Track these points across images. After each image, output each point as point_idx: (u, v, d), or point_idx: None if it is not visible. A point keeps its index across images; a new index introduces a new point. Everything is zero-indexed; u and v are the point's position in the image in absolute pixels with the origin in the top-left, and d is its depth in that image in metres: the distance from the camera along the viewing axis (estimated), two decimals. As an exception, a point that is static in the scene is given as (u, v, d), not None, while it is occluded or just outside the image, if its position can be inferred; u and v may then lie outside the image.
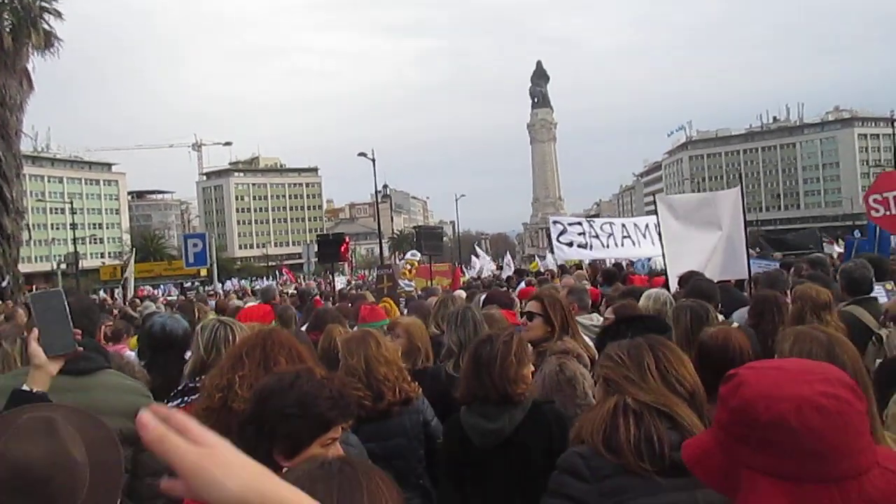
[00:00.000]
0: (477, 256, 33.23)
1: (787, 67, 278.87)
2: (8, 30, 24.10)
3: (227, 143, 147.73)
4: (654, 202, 9.32)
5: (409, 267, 19.50)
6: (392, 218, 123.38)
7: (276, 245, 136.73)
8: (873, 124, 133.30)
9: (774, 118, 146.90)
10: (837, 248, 20.49)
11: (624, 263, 16.68)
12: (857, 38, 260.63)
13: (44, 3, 24.83)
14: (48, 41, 24.80)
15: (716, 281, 7.04)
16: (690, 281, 6.48)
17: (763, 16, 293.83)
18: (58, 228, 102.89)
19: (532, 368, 3.37)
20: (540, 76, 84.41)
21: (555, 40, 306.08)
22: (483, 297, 8.08)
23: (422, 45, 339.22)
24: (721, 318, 5.16)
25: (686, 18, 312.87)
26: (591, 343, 4.24)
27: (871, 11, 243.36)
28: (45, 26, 24.79)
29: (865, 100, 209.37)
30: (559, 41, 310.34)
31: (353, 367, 3.70)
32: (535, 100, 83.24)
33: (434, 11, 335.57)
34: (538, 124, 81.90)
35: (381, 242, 49.81)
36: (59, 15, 25.29)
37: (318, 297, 16.00)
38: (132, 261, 17.57)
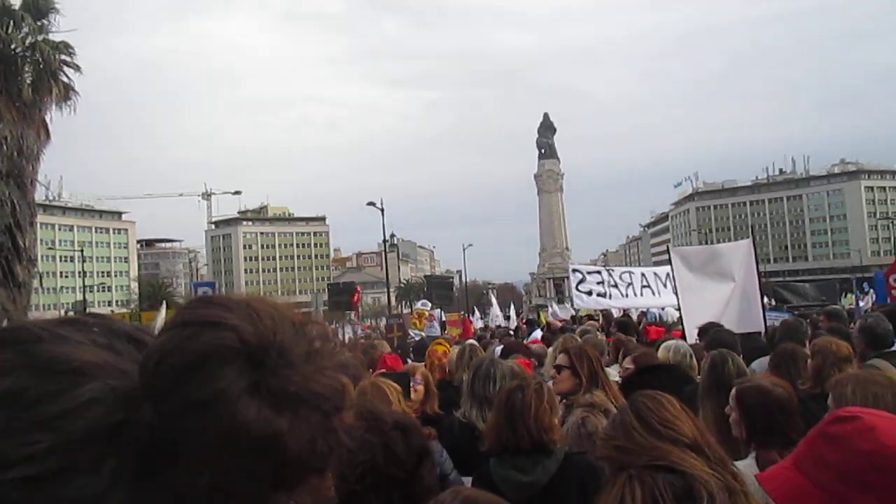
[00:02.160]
0: (491, 306, 33.11)
1: (792, 120, 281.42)
2: (28, 82, 24.58)
3: (237, 192, 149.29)
4: (668, 253, 9.35)
5: (418, 316, 19.50)
6: (399, 267, 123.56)
7: (283, 294, 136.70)
8: (880, 177, 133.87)
9: (780, 170, 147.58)
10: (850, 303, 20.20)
11: (635, 313, 16.53)
12: (862, 91, 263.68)
13: (64, 57, 25.36)
14: (67, 94, 25.26)
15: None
16: (710, 332, 6.47)
17: (768, 69, 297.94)
18: (67, 276, 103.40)
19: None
20: (547, 128, 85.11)
21: (561, 92, 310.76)
22: (499, 347, 8.07)
23: (429, 96, 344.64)
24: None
25: (691, 71, 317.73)
26: (619, 395, 4.21)
27: (877, 64, 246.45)
28: (65, 79, 25.28)
29: (871, 152, 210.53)
30: (566, 93, 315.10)
31: None
32: (542, 151, 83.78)
33: (441, 63, 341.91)
34: (545, 175, 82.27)
35: (388, 291, 49.81)
36: (78, 69, 25.81)
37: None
38: (164, 311, 17.45)
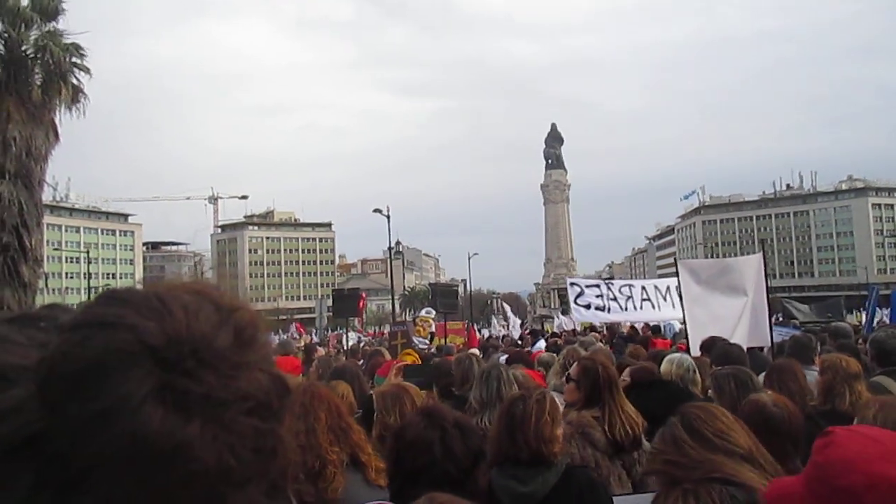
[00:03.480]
0: (506, 316, 32.53)
1: (800, 135, 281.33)
2: (38, 83, 24.72)
3: (244, 197, 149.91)
4: (675, 265, 9.28)
5: (423, 325, 19.40)
6: (404, 275, 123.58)
7: (287, 299, 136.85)
8: (887, 194, 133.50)
9: (788, 185, 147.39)
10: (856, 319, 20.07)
11: (640, 326, 16.44)
12: (871, 107, 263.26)
13: (74, 60, 25.49)
14: (76, 97, 25.38)
15: (745, 348, 6.96)
16: (717, 347, 6.40)
17: (777, 84, 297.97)
18: (72, 277, 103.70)
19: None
20: (554, 138, 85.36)
21: (569, 103, 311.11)
22: (503, 356, 8.03)
23: (436, 105, 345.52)
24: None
25: (700, 85, 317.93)
26: (634, 417, 4.11)
27: (886, 81, 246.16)
28: (74, 81, 25.40)
29: (879, 169, 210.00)
30: (574, 104, 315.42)
31: (390, 425, 3.60)
32: (549, 161, 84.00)
33: (449, 72, 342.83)
34: (552, 185, 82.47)
35: (393, 299, 49.75)
36: (87, 71, 25.93)
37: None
38: None
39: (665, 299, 14.74)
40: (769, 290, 8.94)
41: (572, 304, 15.16)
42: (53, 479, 0.52)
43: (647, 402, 4.38)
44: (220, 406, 0.55)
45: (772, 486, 1.56)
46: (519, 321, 29.32)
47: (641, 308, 14.97)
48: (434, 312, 19.82)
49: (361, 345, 23.04)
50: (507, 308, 32.81)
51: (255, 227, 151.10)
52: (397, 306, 58.31)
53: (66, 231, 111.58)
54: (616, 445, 3.89)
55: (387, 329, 40.63)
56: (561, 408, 3.44)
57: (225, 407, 0.55)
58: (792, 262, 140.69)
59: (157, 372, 0.53)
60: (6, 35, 24.58)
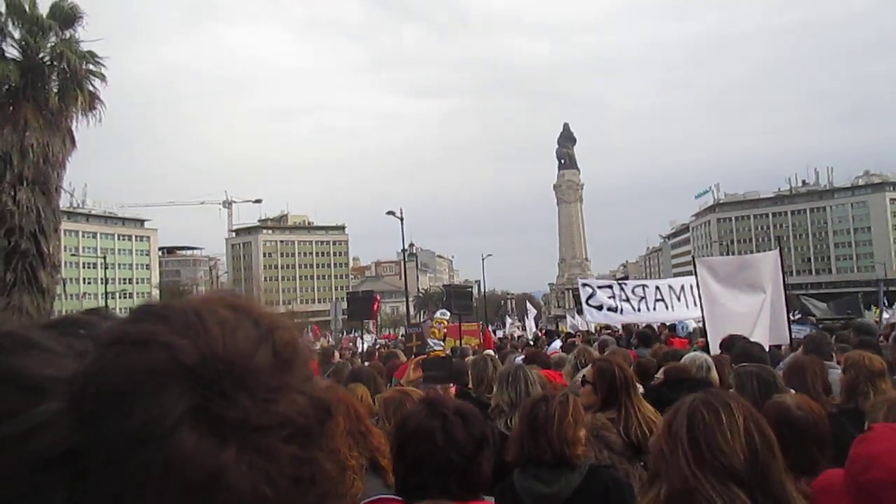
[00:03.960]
0: (524, 316, 32.13)
1: (816, 131, 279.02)
2: (55, 90, 24.95)
3: (258, 201, 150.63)
4: (693, 263, 9.19)
5: (438, 326, 19.40)
6: (418, 277, 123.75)
7: (301, 302, 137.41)
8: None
9: (804, 182, 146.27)
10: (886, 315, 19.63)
11: (656, 325, 16.30)
12: (887, 102, 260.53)
13: (90, 66, 25.71)
14: (92, 103, 25.59)
15: (766, 346, 6.90)
16: (738, 345, 6.33)
17: (791, 79, 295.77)
18: (89, 283, 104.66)
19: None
20: (567, 138, 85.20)
21: (582, 102, 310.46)
22: (519, 357, 7.99)
23: (449, 105, 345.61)
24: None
25: (714, 81, 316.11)
26: (653, 417, 4.04)
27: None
28: (90, 88, 25.62)
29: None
30: (586, 103, 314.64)
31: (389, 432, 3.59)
32: (562, 161, 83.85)
33: (461, 72, 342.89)
34: (565, 185, 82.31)
35: (407, 301, 49.79)
36: (103, 78, 26.14)
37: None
38: None
39: (679, 299, 14.54)
40: (786, 286, 8.85)
41: (584, 305, 15.02)
42: (86, 496, 0.49)
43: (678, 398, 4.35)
44: (257, 432, 0.51)
45: (821, 477, 1.56)
46: (534, 323, 29.06)
47: (655, 309, 14.77)
48: (449, 314, 19.83)
49: (377, 347, 23.09)
50: (531, 307, 32.24)
51: (270, 231, 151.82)
52: (411, 308, 58.41)
53: (83, 237, 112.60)
54: (633, 447, 3.85)
55: (401, 331, 40.68)
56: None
57: (262, 433, 0.51)
58: (809, 259, 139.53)
59: (191, 393, 0.50)
60: (24, 43, 24.86)
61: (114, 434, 0.48)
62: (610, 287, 15.34)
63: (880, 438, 1.45)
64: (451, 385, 4.79)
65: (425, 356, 8.15)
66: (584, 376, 4.22)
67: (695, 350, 7.17)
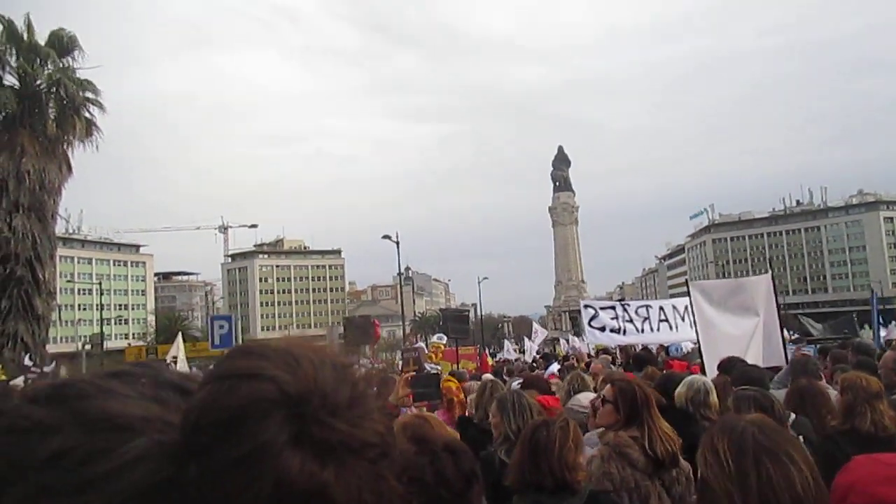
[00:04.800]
0: (528, 337, 31.29)
1: (809, 150, 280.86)
2: (52, 117, 25.09)
3: (253, 226, 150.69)
4: (686, 286, 9.23)
5: (435, 350, 19.37)
6: (414, 300, 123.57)
7: (298, 327, 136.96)
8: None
9: (798, 201, 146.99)
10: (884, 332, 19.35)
11: (654, 347, 16.21)
12: (880, 121, 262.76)
13: (88, 94, 25.87)
14: (89, 130, 25.74)
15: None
16: (737, 368, 6.35)
17: (784, 99, 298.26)
18: (84, 309, 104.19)
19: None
20: (561, 160, 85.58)
21: (576, 124, 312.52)
22: (516, 382, 7.96)
23: (444, 130, 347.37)
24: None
25: (706, 102, 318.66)
26: (672, 434, 4.06)
27: (893, 95, 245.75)
28: (87, 115, 25.77)
29: (890, 182, 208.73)
30: (581, 125, 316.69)
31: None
32: (557, 183, 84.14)
33: (455, 97, 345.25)
34: (560, 207, 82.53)
35: (403, 325, 49.75)
36: (101, 106, 26.31)
37: None
38: (180, 341, 17.47)
39: (683, 319, 14.33)
40: (782, 306, 8.88)
41: (586, 327, 14.83)
42: None
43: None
44: (350, 453, 0.59)
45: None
46: (536, 346, 28.58)
47: (659, 329, 14.61)
48: (445, 338, 19.80)
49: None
50: (539, 328, 31.29)
51: (265, 256, 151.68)
52: (407, 332, 58.23)
53: (79, 263, 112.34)
54: (656, 463, 3.86)
55: (398, 356, 40.51)
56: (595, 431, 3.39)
57: (354, 453, 0.60)
58: (805, 279, 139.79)
59: (294, 419, 0.58)
60: (21, 70, 25.05)
61: (229, 458, 0.55)
62: (613, 308, 15.17)
63: (858, 467, 1.48)
64: (438, 409, 4.77)
65: (414, 374, 8.19)
66: (603, 396, 4.24)
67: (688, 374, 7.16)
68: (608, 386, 4.27)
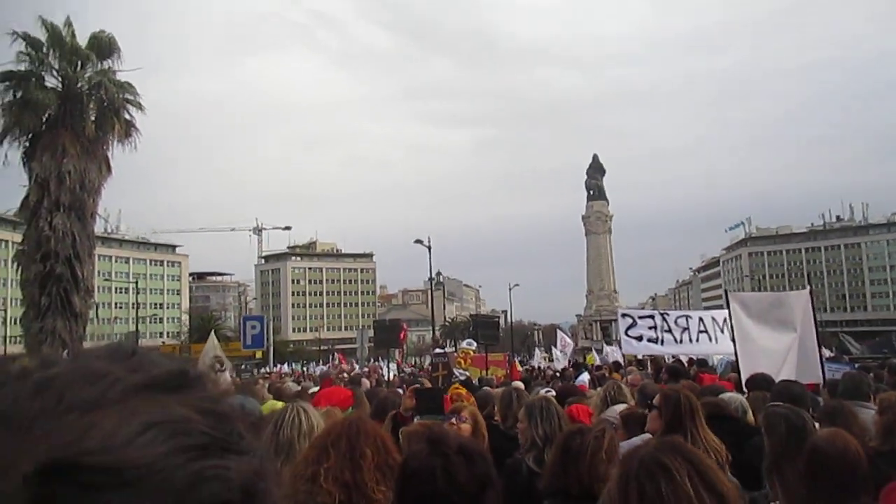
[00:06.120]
0: (554, 346, 30.87)
1: (850, 166, 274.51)
2: (92, 119, 25.57)
3: (287, 228, 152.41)
4: (726, 297, 9.02)
5: (464, 356, 19.32)
6: (444, 305, 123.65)
7: (328, 329, 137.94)
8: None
9: (838, 217, 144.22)
10: None
11: (685, 359, 15.93)
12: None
13: (127, 96, 26.34)
14: (128, 131, 26.19)
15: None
16: (777, 384, 6.19)
17: (824, 115, 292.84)
18: (120, 307, 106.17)
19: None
20: (596, 169, 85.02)
21: (611, 134, 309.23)
22: (545, 389, 7.88)
23: (478, 136, 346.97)
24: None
25: (746, 115, 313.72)
26: (717, 445, 4.04)
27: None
28: (127, 116, 26.23)
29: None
30: (617, 134, 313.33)
31: None
32: (591, 192, 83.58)
33: (491, 103, 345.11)
34: (593, 216, 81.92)
35: (433, 330, 49.77)
36: (140, 107, 26.77)
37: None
38: (213, 340, 17.55)
39: (723, 332, 13.98)
40: (821, 323, 8.68)
41: (623, 336, 14.56)
42: None
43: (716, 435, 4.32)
44: None
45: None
46: (568, 355, 28.19)
47: (698, 340, 14.29)
48: (475, 344, 19.76)
49: (402, 376, 23.01)
50: (568, 339, 30.81)
51: (298, 258, 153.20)
52: (438, 337, 58.29)
53: (116, 262, 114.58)
54: None
55: (427, 360, 40.53)
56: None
57: None
58: (844, 296, 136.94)
59: None
60: (63, 73, 25.60)
61: None
62: (651, 317, 14.88)
63: None
64: (465, 420, 4.71)
65: (418, 386, 8.16)
66: (650, 402, 4.25)
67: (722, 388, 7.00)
68: (659, 394, 4.29)
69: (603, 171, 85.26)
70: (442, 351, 17.56)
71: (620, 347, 16.06)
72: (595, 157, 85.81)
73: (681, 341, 14.25)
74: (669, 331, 14.18)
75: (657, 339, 14.13)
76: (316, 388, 12.02)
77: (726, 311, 10.23)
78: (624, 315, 14.97)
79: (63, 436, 0.45)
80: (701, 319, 14.69)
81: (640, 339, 14.20)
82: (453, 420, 4.70)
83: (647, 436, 4.11)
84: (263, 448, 0.56)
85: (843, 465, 2.86)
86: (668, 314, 15.10)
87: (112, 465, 0.44)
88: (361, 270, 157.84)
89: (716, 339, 14.18)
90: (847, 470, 2.89)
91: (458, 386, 8.33)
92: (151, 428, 0.47)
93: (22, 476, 0.43)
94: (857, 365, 14.41)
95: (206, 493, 0.46)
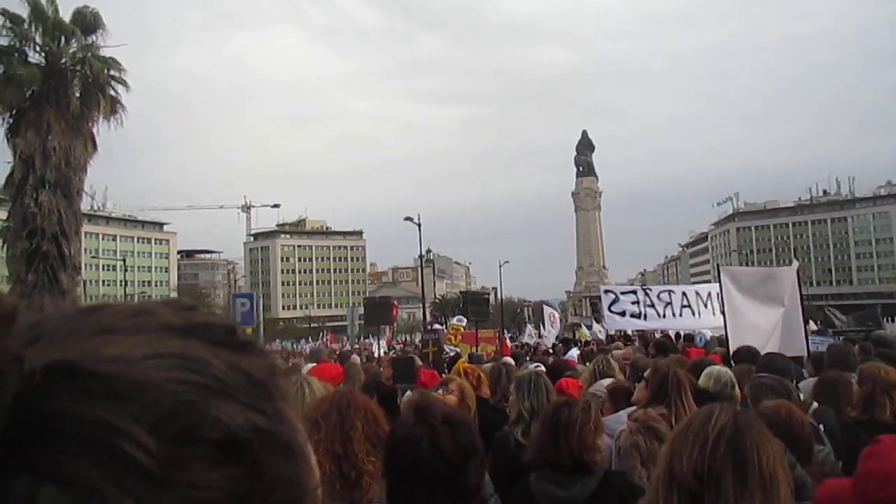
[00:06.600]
0: (548, 322, 30.59)
1: (837, 140, 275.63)
2: (77, 95, 25.25)
3: (276, 206, 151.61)
4: (718, 271, 9.05)
5: (454, 332, 19.39)
6: (435, 283, 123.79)
7: (318, 307, 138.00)
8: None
9: (824, 191, 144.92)
10: None
11: (672, 334, 16.01)
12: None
13: (112, 73, 26.01)
14: (113, 108, 25.90)
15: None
16: (762, 356, 6.26)
17: (812, 88, 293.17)
18: (108, 284, 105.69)
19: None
20: (585, 145, 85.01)
21: (600, 110, 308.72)
22: (534, 365, 7.94)
23: (468, 112, 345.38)
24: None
25: (734, 91, 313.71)
26: None
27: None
28: (112, 93, 25.92)
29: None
30: (605, 111, 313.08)
31: None
32: (580, 168, 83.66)
33: (479, 80, 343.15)
34: (583, 193, 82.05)
35: (424, 307, 49.87)
36: (125, 84, 26.45)
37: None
38: None
39: (706, 306, 14.02)
40: (807, 297, 8.76)
41: (606, 312, 14.68)
42: None
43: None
44: None
45: (823, 486, 1.52)
46: (556, 330, 28.09)
47: (681, 315, 14.31)
48: (465, 320, 19.81)
49: (392, 353, 23.05)
50: (556, 314, 30.65)
51: (287, 236, 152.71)
52: (428, 314, 58.44)
53: (103, 239, 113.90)
54: None
55: (417, 337, 40.68)
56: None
57: None
58: (830, 270, 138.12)
59: None
60: (47, 48, 25.21)
61: None
62: (634, 293, 14.92)
63: (889, 454, 1.42)
64: (452, 392, 4.77)
65: (396, 356, 8.29)
66: (641, 375, 4.38)
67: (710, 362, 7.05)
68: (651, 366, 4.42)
69: (592, 148, 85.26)
70: (438, 327, 17.64)
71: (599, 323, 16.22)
72: (584, 134, 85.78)
73: (664, 316, 14.30)
74: (652, 305, 14.24)
75: (640, 313, 14.19)
76: (308, 366, 12.03)
77: (710, 285, 10.32)
78: (607, 291, 15.07)
79: (83, 346, 0.47)
80: (684, 294, 14.72)
81: (622, 314, 14.28)
82: (441, 391, 4.76)
83: (633, 408, 4.20)
84: (290, 421, 0.53)
85: (788, 433, 3.00)
86: (650, 289, 15.15)
87: (106, 374, 0.45)
88: (351, 248, 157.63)
89: (699, 314, 14.22)
90: (791, 437, 3.04)
91: (464, 361, 8.44)
92: (163, 357, 0.48)
93: (29, 368, 0.45)
94: (841, 337, 14.57)
95: (186, 422, 0.46)
